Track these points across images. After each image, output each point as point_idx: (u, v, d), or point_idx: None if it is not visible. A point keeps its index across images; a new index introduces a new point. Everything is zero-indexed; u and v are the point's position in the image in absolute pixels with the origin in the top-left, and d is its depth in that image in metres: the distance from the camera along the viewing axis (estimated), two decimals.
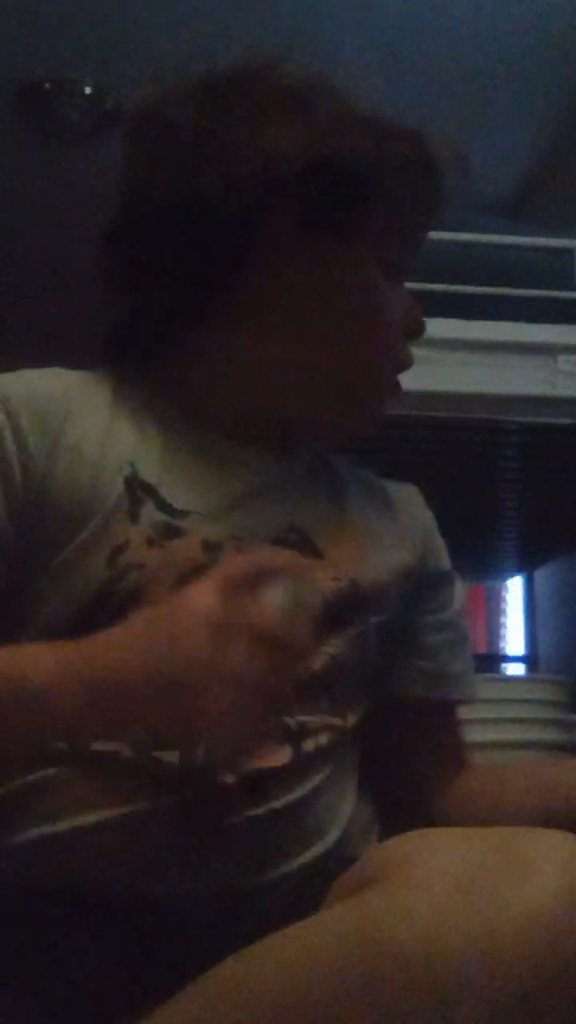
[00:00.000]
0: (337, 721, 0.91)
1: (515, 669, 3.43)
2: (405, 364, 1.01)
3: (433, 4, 2.55)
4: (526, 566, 3.26)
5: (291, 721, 0.85)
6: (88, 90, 2.87)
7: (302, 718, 0.87)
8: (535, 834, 0.62)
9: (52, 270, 3.35)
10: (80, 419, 0.88)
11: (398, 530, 1.04)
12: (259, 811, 0.82)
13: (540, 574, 3.27)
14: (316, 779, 0.87)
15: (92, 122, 2.94)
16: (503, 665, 3.69)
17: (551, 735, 2.00)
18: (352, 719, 0.94)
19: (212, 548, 0.86)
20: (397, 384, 1.02)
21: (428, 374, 2.05)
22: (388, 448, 2.29)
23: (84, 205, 3.20)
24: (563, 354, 2.10)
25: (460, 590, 1.07)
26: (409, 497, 1.12)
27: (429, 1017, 0.55)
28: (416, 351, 2.24)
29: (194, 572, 0.80)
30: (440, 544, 1.09)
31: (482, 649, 3.94)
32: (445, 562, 1.07)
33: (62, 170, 3.09)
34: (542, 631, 3.27)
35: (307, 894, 0.73)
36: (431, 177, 0.96)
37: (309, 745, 0.86)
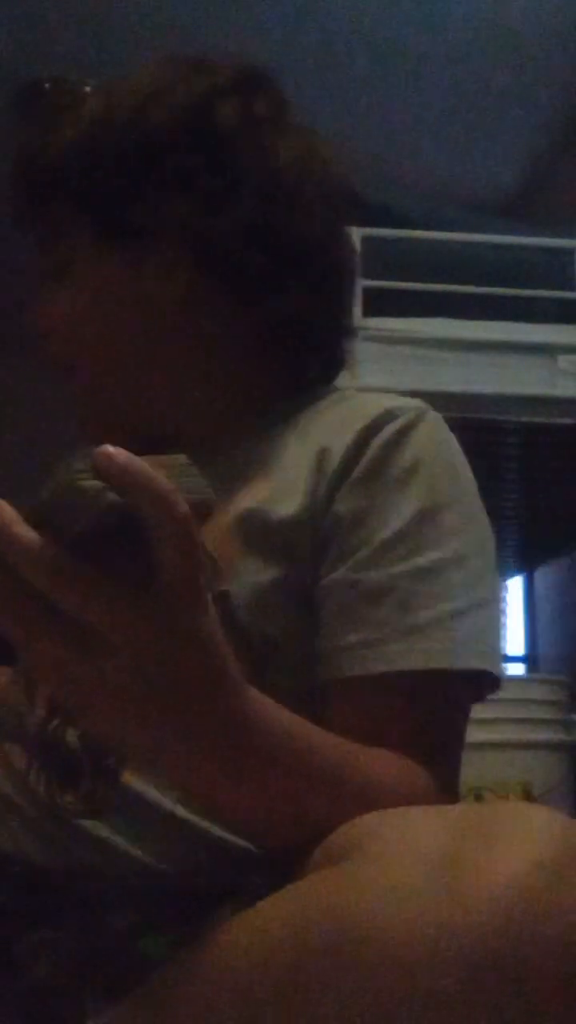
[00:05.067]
0: None
1: (515, 669, 3.44)
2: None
3: (434, 4, 2.55)
4: (526, 566, 3.27)
5: None
6: (88, 90, 2.87)
7: None
8: (510, 806, 0.61)
9: None
10: None
11: (287, 476, 0.84)
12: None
13: (540, 574, 3.27)
14: None
15: None
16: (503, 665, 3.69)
17: (551, 735, 2.01)
18: None
19: None
20: None
21: (428, 374, 2.06)
22: None
23: None
24: (563, 354, 2.10)
25: (386, 520, 0.80)
26: (335, 407, 0.88)
27: (403, 992, 0.54)
28: (416, 351, 2.27)
29: None
30: (339, 472, 0.81)
31: None
32: (357, 500, 0.81)
33: None
34: (542, 631, 3.27)
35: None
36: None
37: None
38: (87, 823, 0.79)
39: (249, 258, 0.86)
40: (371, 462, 0.82)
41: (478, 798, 1.91)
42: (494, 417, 2.10)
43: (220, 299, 0.88)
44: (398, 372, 2.01)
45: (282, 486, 0.83)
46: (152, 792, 0.79)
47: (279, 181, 0.87)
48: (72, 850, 0.79)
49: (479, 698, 0.83)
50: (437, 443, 0.85)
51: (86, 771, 0.80)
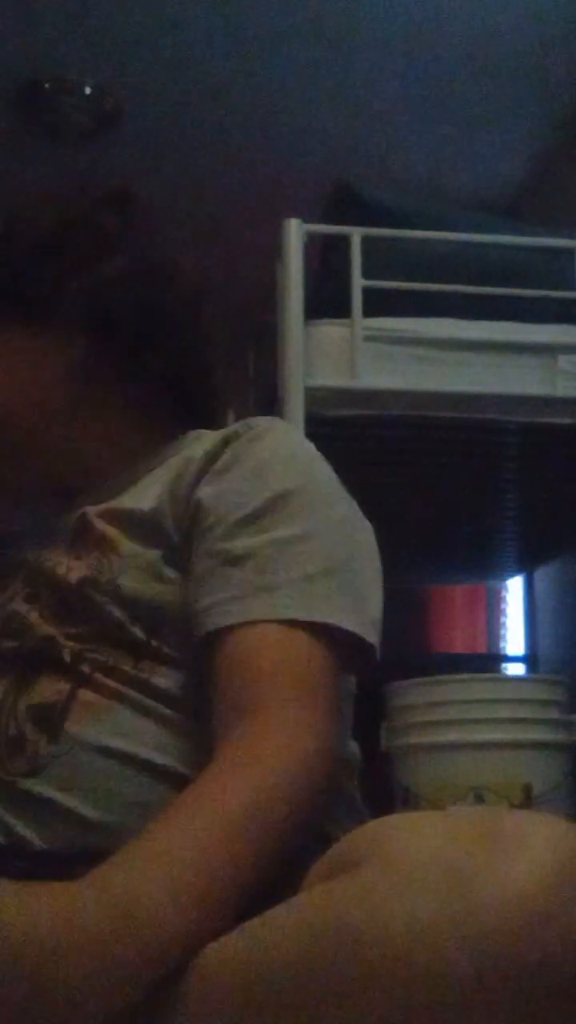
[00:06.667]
0: (127, 668, 0.91)
1: (515, 669, 3.44)
2: None
3: (434, 4, 2.55)
4: (526, 566, 3.27)
5: (67, 654, 0.92)
6: (88, 90, 2.88)
7: (92, 655, 0.92)
8: (519, 816, 0.61)
9: None
10: None
11: (152, 479, 1.00)
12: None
13: (540, 574, 3.27)
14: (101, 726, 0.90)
15: (92, 122, 2.95)
16: (503, 665, 3.70)
17: (551, 735, 2.01)
18: (161, 673, 0.91)
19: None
20: None
21: (428, 374, 2.06)
22: (389, 448, 2.30)
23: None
24: (563, 354, 2.10)
25: (228, 499, 0.93)
26: (198, 438, 1.04)
27: (411, 997, 0.55)
28: (416, 351, 2.27)
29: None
30: (200, 468, 0.96)
31: (482, 649, 3.95)
32: (216, 486, 0.95)
33: (62, 170, 3.09)
34: (542, 631, 3.27)
35: None
36: None
37: (87, 690, 0.91)
38: (29, 784, 0.86)
39: (131, 325, 1.04)
40: (229, 458, 0.95)
41: (478, 798, 1.91)
42: (494, 417, 2.09)
43: (108, 362, 1.04)
44: (398, 372, 2.00)
45: (140, 492, 0.98)
46: (90, 733, 0.88)
47: (150, 269, 1.06)
48: (12, 822, 0.86)
49: (352, 661, 0.90)
50: (288, 444, 0.99)
51: (31, 732, 0.89)
